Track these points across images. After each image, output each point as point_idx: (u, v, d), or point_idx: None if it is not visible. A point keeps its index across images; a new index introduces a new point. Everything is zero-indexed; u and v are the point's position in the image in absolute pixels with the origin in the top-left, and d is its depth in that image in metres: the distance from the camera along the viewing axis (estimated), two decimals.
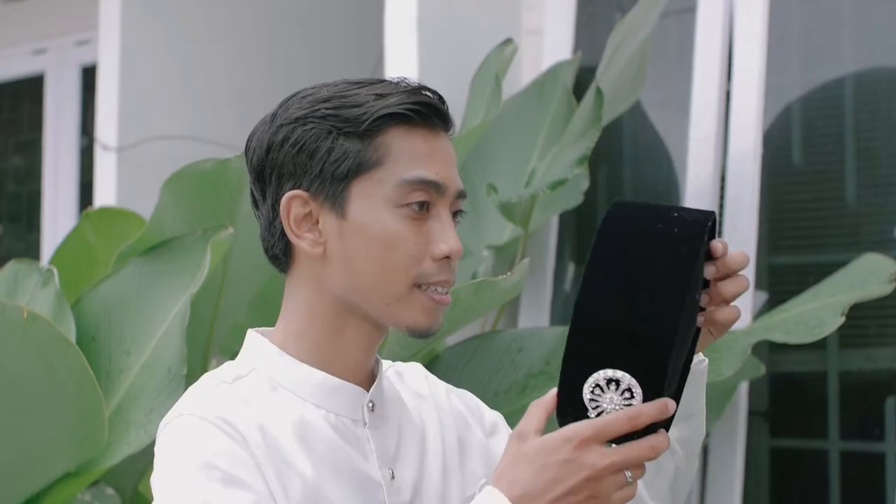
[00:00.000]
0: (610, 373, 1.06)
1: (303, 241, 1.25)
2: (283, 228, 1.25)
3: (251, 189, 1.30)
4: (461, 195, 1.27)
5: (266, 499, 1.17)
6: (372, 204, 1.22)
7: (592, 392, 1.07)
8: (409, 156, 1.23)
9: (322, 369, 1.26)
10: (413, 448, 1.31)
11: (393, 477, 1.27)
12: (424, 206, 1.23)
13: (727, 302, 1.18)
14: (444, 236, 1.23)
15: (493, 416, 1.42)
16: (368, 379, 1.30)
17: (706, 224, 1.10)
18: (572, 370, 1.08)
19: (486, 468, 1.36)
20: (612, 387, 1.06)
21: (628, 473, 1.08)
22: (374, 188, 1.22)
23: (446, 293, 1.25)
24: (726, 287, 1.17)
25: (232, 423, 1.19)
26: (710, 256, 1.14)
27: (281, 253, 1.28)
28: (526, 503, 1.09)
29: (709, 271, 1.15)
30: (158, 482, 1.20)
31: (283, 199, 1.24)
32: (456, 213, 1.27)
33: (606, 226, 1.11)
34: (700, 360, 1.25)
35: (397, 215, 1.22)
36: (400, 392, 1.35)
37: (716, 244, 1.14)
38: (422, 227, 1.23)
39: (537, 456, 1.09)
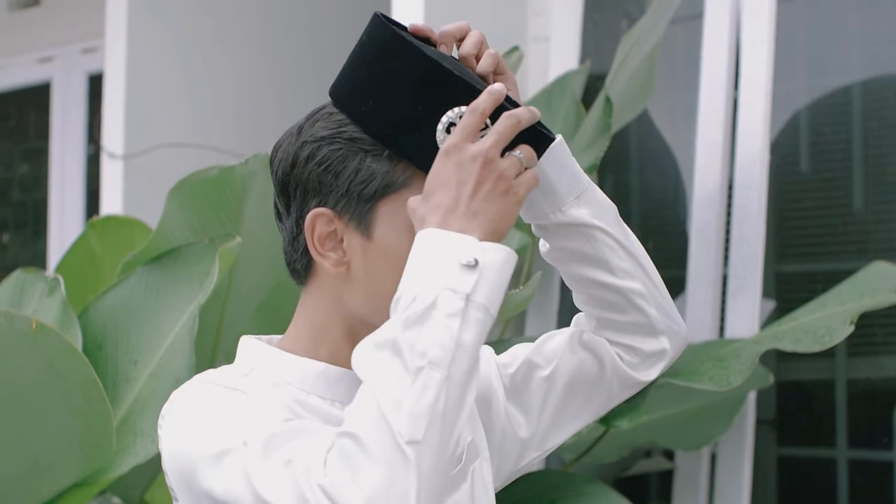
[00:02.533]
0: (443, 120, 1.18)
1: (326, 260, 1.24)
2: (306, 245, 1.25)
3: (275, 201, 1.29)
4: None
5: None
6: (398, 225, 1.21)
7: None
8: None
9: None
10: None
11: None
12: None
13: (477, 57, 1.28)
14: None
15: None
16: None
17: (377, 15, 1.24)
18: (424, 148, 1.19)
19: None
20: (453, 126, 1.19)
21: (518, 154, 1.17)
22: (401, 209, 1.21)
23: None
24: (464, 48, 1.28)
25: (246, 393, 1.19)
26: (432, 44, 1.28)
27: (302, 268, 1.27)
28: (452, 219, 1.14)
29: (442, 49, 1.27)
30: (178, 439, 1.19)
31: (308, 217, 1.23)
32: None
33: (333, 94, 1.26)
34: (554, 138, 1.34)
35: None
36: None
37: (415, 25, 1.26)
38: None
39: (435, 183, 1.16)
